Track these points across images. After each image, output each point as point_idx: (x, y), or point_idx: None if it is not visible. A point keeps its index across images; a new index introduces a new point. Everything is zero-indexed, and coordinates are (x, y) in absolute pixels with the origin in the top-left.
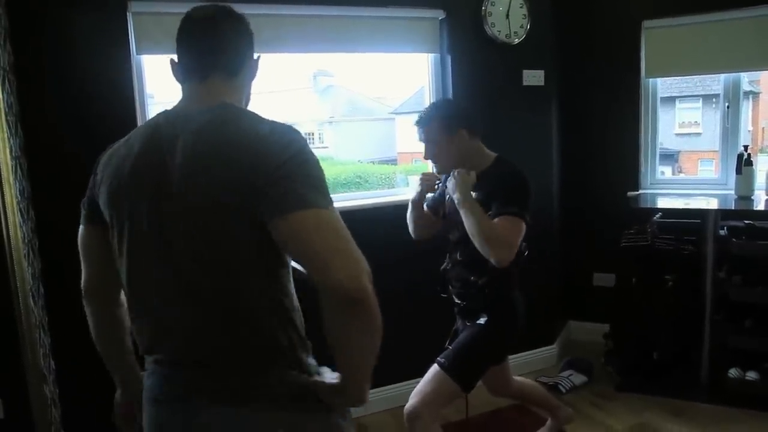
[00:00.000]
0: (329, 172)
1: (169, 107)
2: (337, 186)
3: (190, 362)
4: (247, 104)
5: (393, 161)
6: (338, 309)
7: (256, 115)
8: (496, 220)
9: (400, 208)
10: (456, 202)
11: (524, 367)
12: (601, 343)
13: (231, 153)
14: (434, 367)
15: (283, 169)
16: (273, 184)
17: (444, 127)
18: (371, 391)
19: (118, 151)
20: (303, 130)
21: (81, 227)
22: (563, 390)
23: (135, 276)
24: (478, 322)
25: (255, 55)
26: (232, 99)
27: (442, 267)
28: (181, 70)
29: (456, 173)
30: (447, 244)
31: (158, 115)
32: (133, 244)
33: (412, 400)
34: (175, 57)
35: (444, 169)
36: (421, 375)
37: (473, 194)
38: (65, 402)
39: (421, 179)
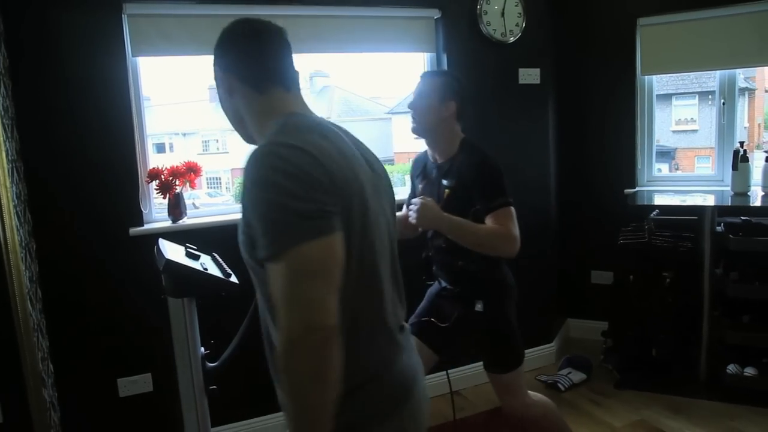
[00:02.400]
0: None
1: (303, 111)
2: None
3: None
4: None
5: (390, 161)
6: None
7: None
8: (488, 218)
9: (396, 207)
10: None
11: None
12: (599, 341)
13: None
14: (499, 378)
15: None
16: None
17: (442, 88)
18: None
19: (330, 147)
20: None
21: (329, 238)
22: (562, 388)
23: (382, 277)
24: (476, 309)
25: None
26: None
27: (424, 255)
28: (283, 77)
29: (414, 208)
30: (426, 232)
31: (312, 118)
32: (378, 245)
33: (513, 403)
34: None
35: (418, 126)
36: None
37: (444, 182)
38: (64, 405)
39: None
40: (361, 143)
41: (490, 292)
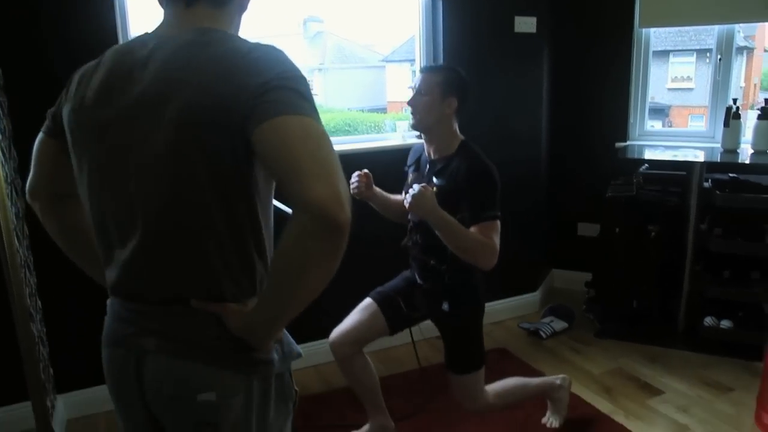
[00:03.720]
0: None
1: (155, 28)
2: None
3: (140, 301)
4: None
5: (383, 109)
6: (310, 228)
7: (245, 39)
8: (473, 227)
9: (388, 153)
10: (428, 221)
11: (507, 313)
12: (583, 292)
13: (210, 71)
14: (457, 378)
15: (270, 84)
16: (258, 97)
17: (442, 85)
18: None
19: (88, 69)
20: None
21: (41, 134)
22: (544, 335)
23: (94, 203)
24: (442, 308)
25: None
26: (218, 28)
27: (403, 242)
28: None
29: (412, 193)
30: (409, 221)
31: (136, 37)
32: (91, 170)
33: (468, 405)
34: None
35: (418, 123)
36: None
37: (435, 180)
38: (53, 340)
39: (357, 180)
40: (174, 69)
41: (458, 294)
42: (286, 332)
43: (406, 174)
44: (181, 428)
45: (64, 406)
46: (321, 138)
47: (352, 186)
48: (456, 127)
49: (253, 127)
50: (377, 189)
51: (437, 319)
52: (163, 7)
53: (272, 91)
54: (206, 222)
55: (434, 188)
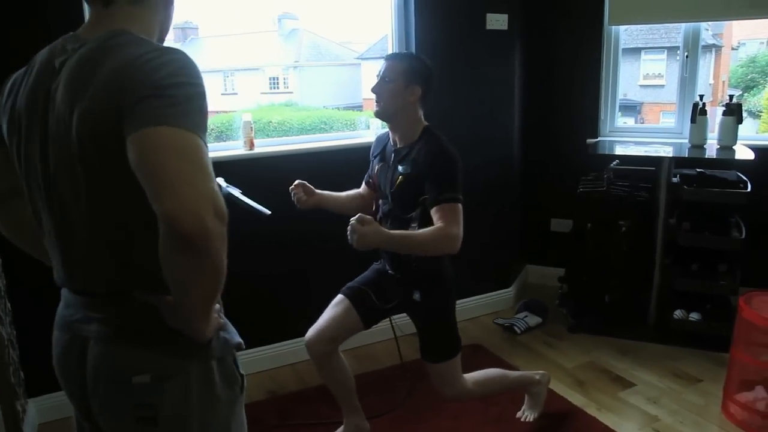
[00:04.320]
0: (294, 117)
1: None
2: (301, 132)
3: (84, 295)
4: (161, 37)
5: (358, 107)
6: (170, 244)
7: (152, 42)
8: (434, 210)
9: (361, 150)
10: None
11: (481, 309)
12: (556, 287)
13: (103, 80)
14: (433, 367)
15: (144, 92)
16: (133, 105)
17: (407, 73)
18: (273, 346)
19: (18, 78)
20: (267, 74)
21: None
22: (518, 330)
23: (32, 207)
24: (413, 298)
25: None
26: (135, 28)
27: None
28: None
29: (350, 233)
30: (375, 211)
31: (61, 39)
32: (27, 173)
33: (447, 392)
34: None
35: (382, 111)
36: None
37: (399, 168)
38: (23, 343)
39: (294, 190)
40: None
41: (429, 283)
42: (228, 323)
43: (372, 164)
44: (119, 412)
45: (35, 411)
46: (181, 149)
47: (293, 199)
48: (420, 114)
49: (125, 137)
50: (324, 193)
51: (409, 309)
52: (89, 6)
53: (144, 100)
54: (119, 222)
55: (399, 177)
